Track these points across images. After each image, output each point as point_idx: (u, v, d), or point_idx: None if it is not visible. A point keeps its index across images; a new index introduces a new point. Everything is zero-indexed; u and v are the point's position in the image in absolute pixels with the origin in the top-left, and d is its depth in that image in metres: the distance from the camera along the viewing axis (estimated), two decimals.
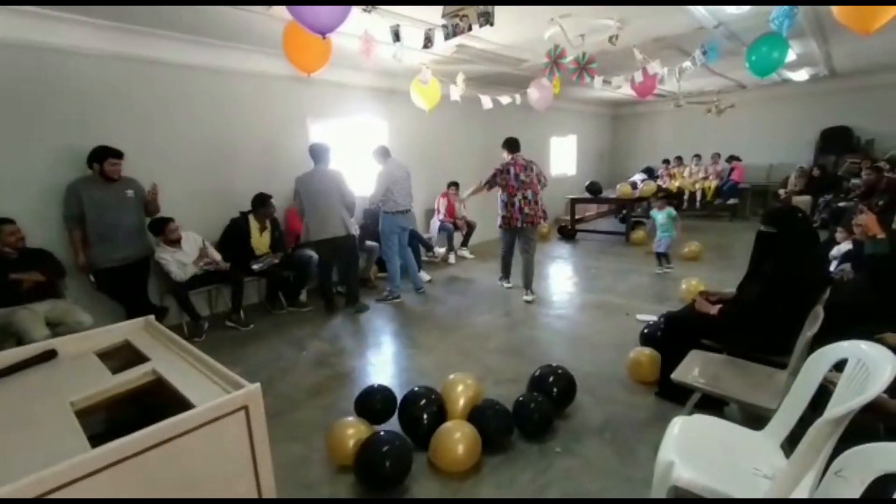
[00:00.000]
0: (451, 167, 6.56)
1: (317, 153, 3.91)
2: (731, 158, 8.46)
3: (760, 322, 2.01)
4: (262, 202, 4.10)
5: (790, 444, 1.43)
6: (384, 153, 4.32)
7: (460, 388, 2.26)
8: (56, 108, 3.33)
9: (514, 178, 4.09)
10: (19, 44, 3.12)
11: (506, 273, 4.68)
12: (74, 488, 0.85)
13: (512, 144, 4.23)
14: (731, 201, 8.24)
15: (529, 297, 4.29)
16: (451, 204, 6.05)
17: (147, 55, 3.68)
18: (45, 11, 3.08)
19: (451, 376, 2.36)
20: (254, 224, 4.14)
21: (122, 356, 1.51)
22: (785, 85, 7.83)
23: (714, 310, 2.24)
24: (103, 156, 3.25)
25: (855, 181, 5.96)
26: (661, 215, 4.99)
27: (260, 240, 4.18)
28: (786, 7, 2.99)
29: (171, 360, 1.43)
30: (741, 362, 2.04)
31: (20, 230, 2.96)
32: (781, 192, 6.75)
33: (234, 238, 4.09)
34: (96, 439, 0.98)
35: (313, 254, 4.32)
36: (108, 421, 1.31)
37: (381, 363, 3.21)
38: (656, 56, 4.18)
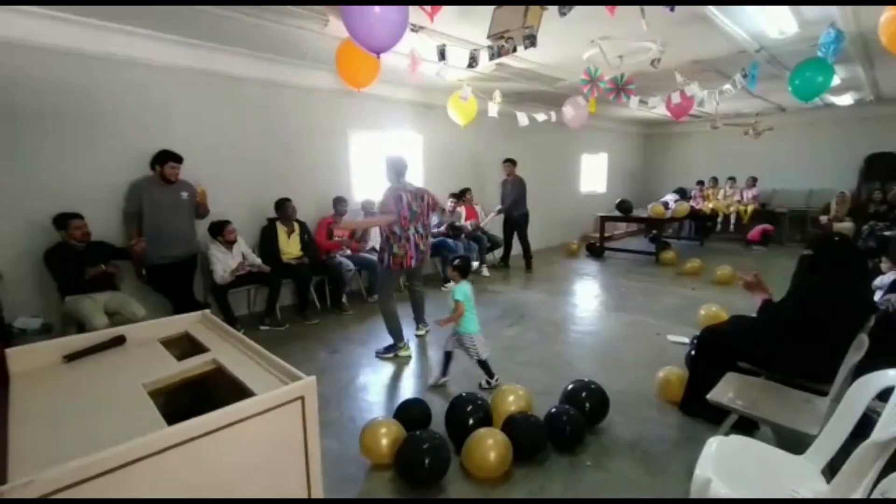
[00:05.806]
0: (482, 179, 6.67)
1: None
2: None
3: (798, 342, 1.99)
4: (281, 205, 4.31)
5: (831, 470, 1.43)
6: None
7: (511, 398, 2.34)
8: (123, 114, 3.59)
9: (407, 207, 3.30)
10: (97, 56, 3.41)
11: (398, 338, 3.47)
12: (151, 462, 0.91)
13: (394, 166, 3.35)
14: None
15: (422, 331, 3.89)
16: (469, 211, 6.11)
17: (207, 67, 3.94)
18: (123, 27, 3.35)
19: (504, 387, 2.47)
20: (281, 228, 4.35)
21: (182, 345, 1.61)
22: (827, 109, 7.66)
23: (760, 296, 2.25)
24: (165, 159, 3.49)
25: None
26: (467, 288, 2.85)
27: (288, 243, 4.37)
28: (833, 33, 2.98)
29: (228, 351, 1.50)
30: (779, 387, 2.02)
31: (86, 224, 3.19)
32: (823, 218, 6.55)
33: (265, 243, 4.33)
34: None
35: (345, 260, 4.57)
36: (167, 405, 1.42)
37: (412, 368, 3.28)
38: (694, 78, 4.19)
